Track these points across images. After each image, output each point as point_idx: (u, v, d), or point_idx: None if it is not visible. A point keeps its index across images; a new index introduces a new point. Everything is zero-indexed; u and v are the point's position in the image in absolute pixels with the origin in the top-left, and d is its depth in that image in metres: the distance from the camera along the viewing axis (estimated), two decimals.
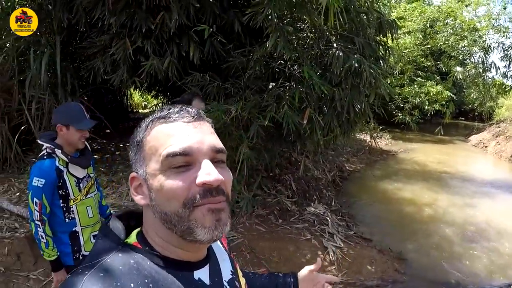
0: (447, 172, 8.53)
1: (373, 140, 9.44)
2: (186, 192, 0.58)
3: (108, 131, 6.36)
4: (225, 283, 0.70)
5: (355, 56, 3.54)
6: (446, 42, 11.06)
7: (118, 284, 0.53)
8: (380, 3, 6.49)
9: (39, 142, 1.99)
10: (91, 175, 2.15)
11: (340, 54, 3.57)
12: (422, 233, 4.97)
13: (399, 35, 11.92)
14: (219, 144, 0.64)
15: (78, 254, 2.04)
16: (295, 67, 4.01)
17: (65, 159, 1.94)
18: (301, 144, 4.41)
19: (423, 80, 12.04)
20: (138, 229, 0.68)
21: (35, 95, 4.93)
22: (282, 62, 4.11)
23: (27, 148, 5.34)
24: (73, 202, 2.00)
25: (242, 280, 0.80)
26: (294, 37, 4.01)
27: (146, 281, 0.55)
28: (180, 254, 0.63)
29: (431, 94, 11.39)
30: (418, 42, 11.98)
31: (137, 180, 0.65)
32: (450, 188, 7.28)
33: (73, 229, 2.03)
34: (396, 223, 5.31)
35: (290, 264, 3.50)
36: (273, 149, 4.51)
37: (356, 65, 3.49)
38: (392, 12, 13.50)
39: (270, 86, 3.94)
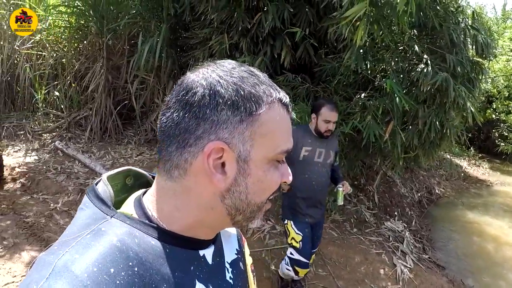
0: None
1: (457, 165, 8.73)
2: (277, 186, 0.57)
3: None
4: (227, 264, 0.65)
5: (442, 74, 3.39)
6: None
7: (95, 269, 0.43)
8: (485, 24, 5.95)
9: None
10: None
11: (429, 70, 3.44)
12: (499, 274, 4.56)
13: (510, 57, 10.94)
14: None
15: None
16: (383, 79, 3.93)
17: None
18: (381, 158, 4.29)
19: None
20: (137, 194, 0.58)
21: (139, 75, 5.48)
22: (370, 72, 4.04)
23: (126, 122, 5.98)
24: None
25: (249, 260, 0.77)
26: (372, 51, 3.94)
27: (130, 264, 0.46)
28: (198, 233, 0.56)
29: None
30: None
31: (226, 155, 0.52)
32: None
33: None
34: (475, 257, 4.93)
35: (354, 273, 3.45)
36: (354, 158, 4.48)
37: (444, 83, 3.34)
38: (506, 32, 12.44)
39: (358, 96, 3.92)
